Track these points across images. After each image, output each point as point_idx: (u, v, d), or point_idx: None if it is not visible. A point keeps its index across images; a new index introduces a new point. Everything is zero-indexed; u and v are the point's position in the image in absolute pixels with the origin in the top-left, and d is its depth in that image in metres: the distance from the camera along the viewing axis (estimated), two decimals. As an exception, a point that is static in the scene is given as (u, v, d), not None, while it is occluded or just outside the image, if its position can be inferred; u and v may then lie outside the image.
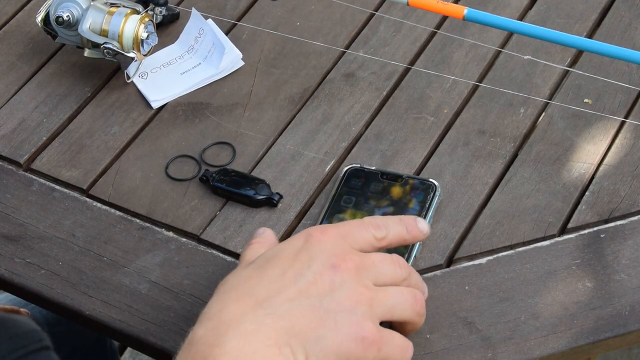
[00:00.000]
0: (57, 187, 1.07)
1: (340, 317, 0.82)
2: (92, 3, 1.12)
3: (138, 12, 1.13)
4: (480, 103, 1.11)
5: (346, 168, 1.03)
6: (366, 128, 1.09)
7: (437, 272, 0.96)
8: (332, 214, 0.99)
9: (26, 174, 1.08)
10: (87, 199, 1.06)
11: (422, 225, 0.91)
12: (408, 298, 0.86)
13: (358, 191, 1.01)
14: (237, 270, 0.87)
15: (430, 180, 1.01)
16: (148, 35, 1.13)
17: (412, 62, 1.15)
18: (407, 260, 0.95)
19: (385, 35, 1.18)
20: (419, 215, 0.98)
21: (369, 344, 0.82)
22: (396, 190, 1.00)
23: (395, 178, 1.01)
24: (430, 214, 0.98)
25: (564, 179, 1.03)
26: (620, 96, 1.09)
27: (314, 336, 0.81)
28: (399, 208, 0.98)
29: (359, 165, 1.03)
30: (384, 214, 0.98)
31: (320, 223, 0.98)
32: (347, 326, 0.82)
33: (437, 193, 1.00)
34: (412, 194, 1.00)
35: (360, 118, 1.10)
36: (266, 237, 0.92)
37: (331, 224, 0.89)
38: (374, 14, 1.20)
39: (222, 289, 0.84)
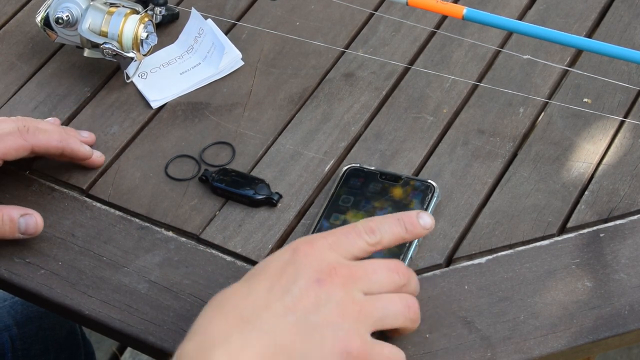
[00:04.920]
0: (57, 187, 1.07)
1: (327, 332, 0.82)
2: (91, 3, 1.12)
3: (137, 12, 1.13)
4: (480, 103, 1.11)
5: (345, 168, 1.03)
6: (365, 128, 1.09)
7: (437, 272, 0.96)
8: (330, 214, 0.99)
9: (26, 174, 1.08)
10: (87, 199, 1.06)
11: (424, 221, 0.89)
12: (400, 307, 0.86)
13: (357, 191, 1.01)
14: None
15: (429, 181, 1.01)
16: (147, 35, 1.13)
17: (412, 62, 1.15)
18: (403, 261, 0.95)
19: (384, 35, 1.18)
20: (418, 215, 0.98)
21: (354, 358, 0.82)
22: (395, 191, 1.00)
23: (394, 178, 1.01)
24: (429, 214, 0.98)
25: (564, 178, 1.03)
26: (620, 96, 1.09)
27: (299, 352, 0.81)
28: (397, 208, 0.98)
29: (358, 165, 1.03)
30: (383, 214, 0.98)
31: (318, 222, 0.98)
32: (333, 342, 0.82)
33: (436, 194, 1.00)
34: (411, 195, 1.00)
35: (360, 118, 1.10)
36: None
37: (320, 234, 0.87)
38: (374, 13, 1.20)
39: (211, 303, 0.84)
